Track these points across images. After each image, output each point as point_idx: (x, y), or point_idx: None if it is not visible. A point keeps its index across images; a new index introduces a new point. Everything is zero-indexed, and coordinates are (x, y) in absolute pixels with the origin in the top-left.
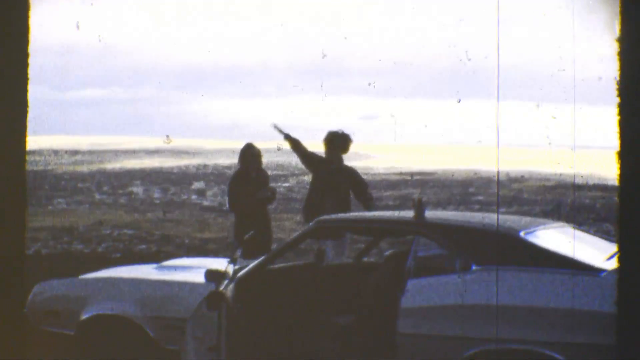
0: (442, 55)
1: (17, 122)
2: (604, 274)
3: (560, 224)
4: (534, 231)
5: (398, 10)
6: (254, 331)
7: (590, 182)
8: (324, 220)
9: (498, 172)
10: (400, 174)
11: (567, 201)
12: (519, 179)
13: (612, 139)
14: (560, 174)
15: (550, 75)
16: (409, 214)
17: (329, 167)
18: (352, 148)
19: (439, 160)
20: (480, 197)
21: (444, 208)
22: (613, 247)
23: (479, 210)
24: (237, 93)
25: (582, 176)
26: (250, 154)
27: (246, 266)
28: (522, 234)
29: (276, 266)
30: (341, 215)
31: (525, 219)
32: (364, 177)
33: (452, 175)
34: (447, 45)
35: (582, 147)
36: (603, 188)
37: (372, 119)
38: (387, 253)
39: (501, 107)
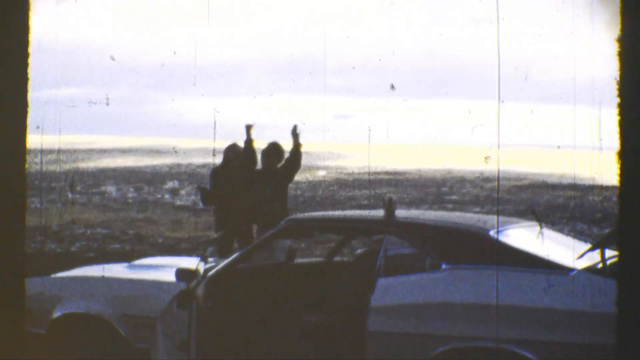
0: (420, 54)
1: (17, 122)
2: (574, 272)
3: (531, 223)
4: (504, 230)
5: (376, 9)
6: (224, 330)
7: (564, 182)
8: (294, 219)
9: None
10: (374, 173)
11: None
12: (493, 179)
13: (586, 139)
14: (552, 174)
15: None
16: (380, 213)
17: (265, 177)
18: (326, 147)
19: (412, 160)
20: (453, 197)
21: (417, 207)
22: (584, 246)
23: (452, 209)
24: (211, 92)
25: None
26: (230, 151)
27: (217, 265)
28: (491, 233)
29: (247, 265)
30: (311, 214)
31: (496, 218)
32: (338, 176)
33: (458, 174)
34: (426, 44)
35: (560, 146)
36: (577, 188)
37: (346, 118)
38: (357, 252)
39: (482, 106)
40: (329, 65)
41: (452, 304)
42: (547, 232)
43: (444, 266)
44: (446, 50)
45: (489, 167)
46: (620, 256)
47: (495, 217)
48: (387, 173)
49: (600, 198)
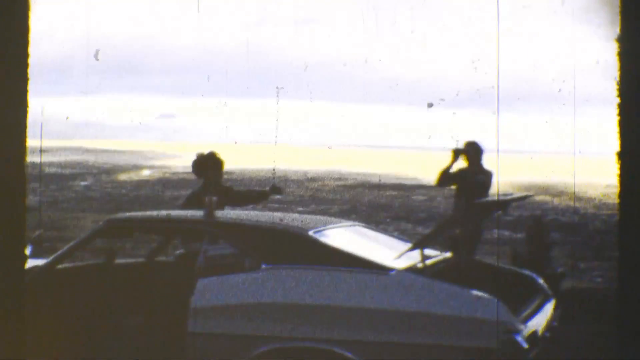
0: (243, 54)
1: (17, 122)
2: (393, 272)
3: (351, 222)
4: (324, 230)
5: (206, 10)
6: (44, 332)
7: (388, 182)
8: (114, 219)
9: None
10: None
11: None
12: (317, 179)
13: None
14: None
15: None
16: (201, 213)
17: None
18: (151, 147)
19: (238, 159)
20: (277, 196)
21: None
22: (405, 246)
23: (277, 209)
24: (36, 91)
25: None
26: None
27: (37, 265)
28: (311, 232)
29: (67, 265)
30: (132, 214)
31: (317, 218)
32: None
33: (282, 173)
34: (246, 43)
35: (382, 147)
36: (400, 187)
37: (170, 118)
38: (178, 252)
39: (308, 106)
40: (155, 65)
41: (271, 304)
42: (367, 231)
43: (263, 266)
44: (269, 50)
45: (313, 167)
46: (620, 257)
47: (318, 217)
48: None
49: (424, 198)
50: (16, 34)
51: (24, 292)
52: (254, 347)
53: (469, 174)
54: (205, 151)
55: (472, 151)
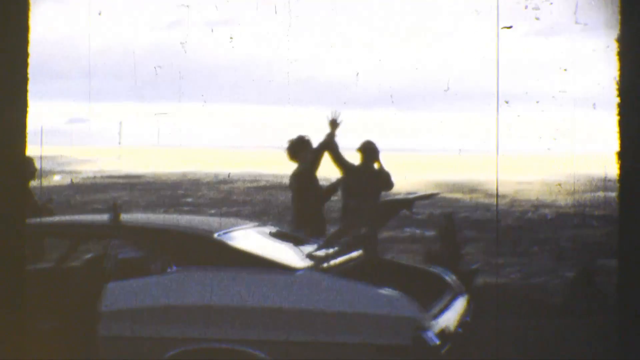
0: (160, 58)
1: (17, 122)
2: (301, 272)
3: (257, 224)
4: (230, 232)
5: (120, 13)
6: None
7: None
8: None
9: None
10: (110, 177)
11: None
12: (228, 181)
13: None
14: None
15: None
16: (108, 217)
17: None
18: (61, 151)
19: (148, 163)
20: (189, 199)
21: (154, 211)
22: (311, 247)
23: (189, 212)
24: None
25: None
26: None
27: None
28: (216, 235)
29: None
30: (39, 220)
31: (224, 220)
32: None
33: (193, 176)
34: (167, 48)
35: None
36: None
37: (81, 122)
38: (87, 257)
39: (220, 108)
40: (66, 69)
41: (179, 306)
42: (273, 232)
43: (170, 269)
44: (187, 53)
45: (224, 170)
46: (620, 256)
47: (225, 219)
48: (122, 177)
49: (337, 198)
50: (16, 34)
51: (24, 292)
52: (165, 349)
53: (358, 171)
54: (294, 137)
55: (367, 150)
